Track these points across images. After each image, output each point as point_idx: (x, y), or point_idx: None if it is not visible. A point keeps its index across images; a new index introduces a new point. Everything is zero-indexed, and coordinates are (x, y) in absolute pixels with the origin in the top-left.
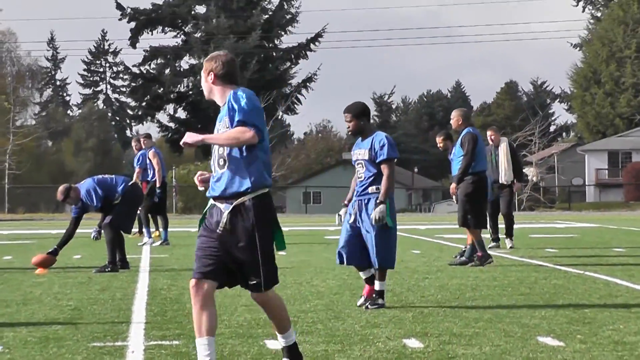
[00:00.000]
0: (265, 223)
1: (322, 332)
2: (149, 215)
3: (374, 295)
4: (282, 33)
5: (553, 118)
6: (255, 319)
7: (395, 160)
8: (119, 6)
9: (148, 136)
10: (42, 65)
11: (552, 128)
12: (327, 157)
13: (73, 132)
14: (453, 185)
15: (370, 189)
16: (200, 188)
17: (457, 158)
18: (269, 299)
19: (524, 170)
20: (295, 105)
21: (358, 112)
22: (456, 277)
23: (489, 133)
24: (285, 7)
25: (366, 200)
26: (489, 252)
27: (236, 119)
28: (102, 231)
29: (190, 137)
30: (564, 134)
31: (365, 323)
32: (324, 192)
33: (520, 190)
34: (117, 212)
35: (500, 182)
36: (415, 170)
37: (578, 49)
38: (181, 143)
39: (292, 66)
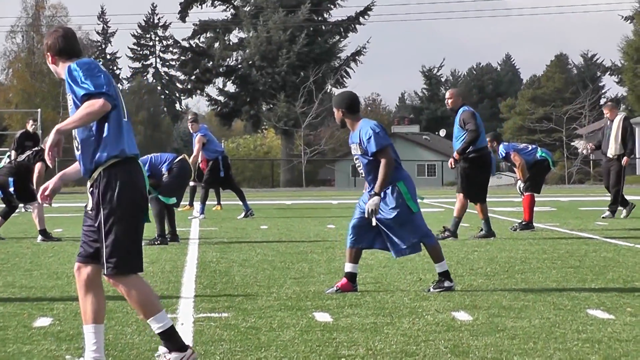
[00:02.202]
0: (112, 198)
1: (370, 305)
2: (216, 191)
3: (438, 279)
4: (331, 7)
5: (603, 91)
6: (305, 291)
7: (388, 146)
8: None
9: (195, 120)
10: (92, 39)
11: (602, 101)
12: None
13: None
14: (452, 160)
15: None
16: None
17: (456, 137)
18: (119, 285)
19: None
20: (344, 79)
21: (337, 103)
22: (505, 250)
23: (605, 110)
24: None
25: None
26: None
27: (79, 94)
28: (150, 204)
29: (49, 143)
30: None
31: (414, 296)
32: None
33: (627, 164)
34: (164, 186)
35: (607, 155)
36: None
37: (629, 21)
38: (46, 155)
39: (341, 40)
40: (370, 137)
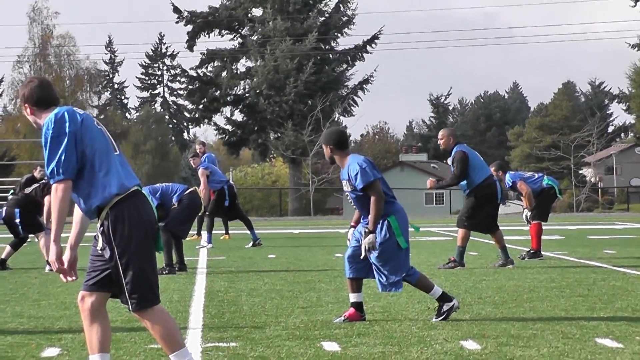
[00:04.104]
0: (123, 235)
1: (379, 334)
2: (223, 220)
3: (437, 306)
4: (339, 35)
5: (611, 119)
6: (313, 320)
7: (375, 180)
8: (176, 9)
9: (195, 155)
10: (100, 68)
11: (610, 129)
12: (384, 159)
13: (131, 135)
14: (432, 180)
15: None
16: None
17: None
18: (144, 319)
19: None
20: (352, 107)
21: (326, 139)
22: (513, 278)
23: None
24: (342, 9)
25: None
26: None
27: (47, 172)
28: None
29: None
30: (622, 134)
31: (423, 325)
32: None
33: None
34: (173, 216)
35: None
36: None
37: (637, 49)
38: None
39: (349, 68)
40: (357, 173)
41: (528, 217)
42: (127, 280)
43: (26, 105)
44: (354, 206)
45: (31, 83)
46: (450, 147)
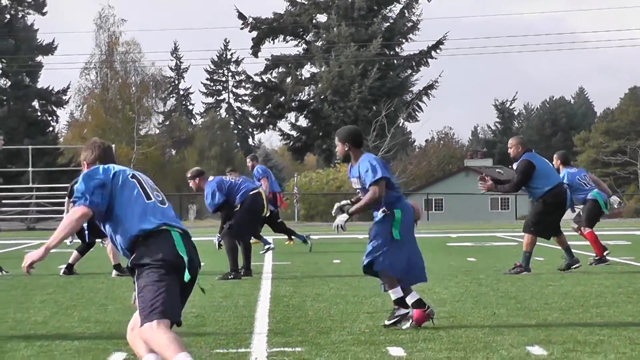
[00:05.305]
0: (144, 266)
1: (444, 340)
2: (283, 228)
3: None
4: (403, 41)
5: None
6: (377, 326)
7: (381, 178)
8: (241, 16)
9: (254, 158)
10: (165, 74)
11: None
12: (449, 164)
13: (196, 140)
14: (491, 183)
15: (377, 215)
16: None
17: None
18: (140, 336)
19: None
20: (417, 113)
21: (342, 136)
22: (580, 284)
23: None
24: (407, 14)
25: None
26: None
27: (76, 193)
28: (223, 239)
29: (34, 258)
30: None
31: (488, 330)
32: (446, 199)
33: None
34: (236, 220)
35: None
36: None
37: None
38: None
39: (413, 74)
40: (367, 170)
41: (577, 225)
42: (139, 295)
43: (84, 162)
44: None
45: (91, 146)
46: (519, 155)
